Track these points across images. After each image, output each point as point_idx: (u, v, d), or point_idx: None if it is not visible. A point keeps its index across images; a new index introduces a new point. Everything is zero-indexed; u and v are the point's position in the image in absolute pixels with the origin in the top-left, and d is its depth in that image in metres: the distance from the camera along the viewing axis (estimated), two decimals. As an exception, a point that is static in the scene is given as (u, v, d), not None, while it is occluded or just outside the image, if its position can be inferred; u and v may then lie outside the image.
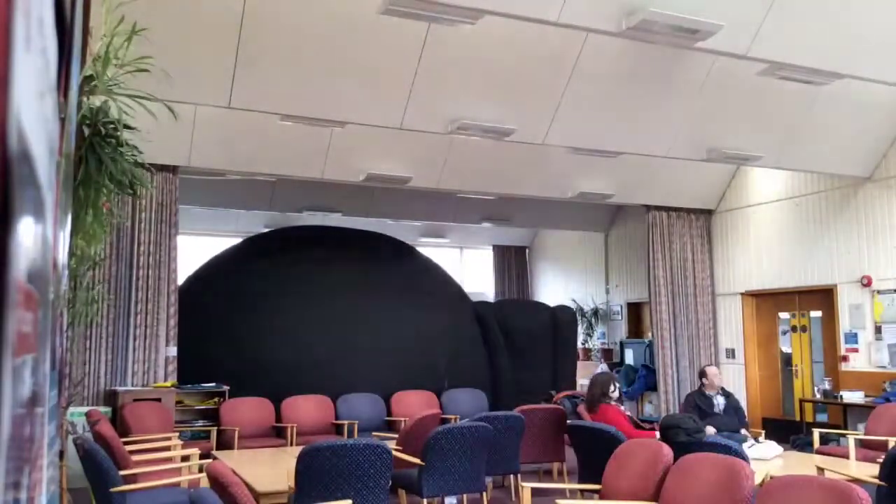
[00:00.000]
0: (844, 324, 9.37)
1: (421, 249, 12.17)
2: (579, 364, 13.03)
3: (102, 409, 7.25)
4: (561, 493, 5.71)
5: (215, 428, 8.07)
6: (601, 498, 4.49)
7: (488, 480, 6.32)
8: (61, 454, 5.08)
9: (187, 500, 4.28)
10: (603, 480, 4.55)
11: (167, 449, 6.14)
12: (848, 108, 8.31)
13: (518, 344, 10.81)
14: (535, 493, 4.83)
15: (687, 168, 10.06)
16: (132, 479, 4.88)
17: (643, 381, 11.63)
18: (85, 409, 7.02)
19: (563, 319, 11.41)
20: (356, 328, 9.43)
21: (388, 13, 5.49)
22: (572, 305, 14.01)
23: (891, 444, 5.91)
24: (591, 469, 5.28)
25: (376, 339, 9.45)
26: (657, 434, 5.58)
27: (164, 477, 4.93)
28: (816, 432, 7.04)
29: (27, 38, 0.72)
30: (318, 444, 4.42)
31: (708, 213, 11.34)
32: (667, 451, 4.21)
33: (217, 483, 3.59)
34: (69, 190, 2.19)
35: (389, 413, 9.08)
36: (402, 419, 8.38)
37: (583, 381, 12.68)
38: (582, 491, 5.42)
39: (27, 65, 0.72)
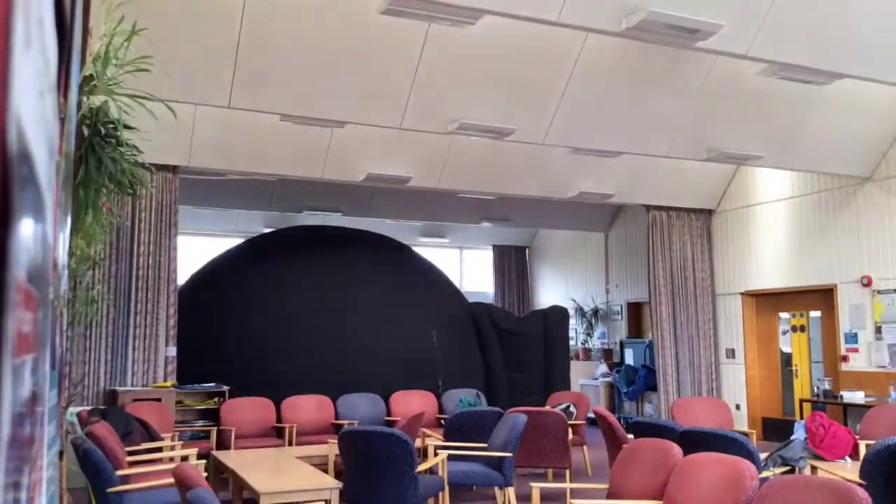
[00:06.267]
0: (844, 324, 9.36)
1: (421, 249, 12.18)
2: (580, 364, 13.04)
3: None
4: (573, 493, 5.70)
5: (215, 428, 8.07)
6: (608, 497, 4.49)
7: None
8: (61, 454, 5.08)
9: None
10: (610, 480, 4.55)
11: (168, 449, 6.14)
12: (848, 108, 8.32)
13: (510, 343, 10.79)
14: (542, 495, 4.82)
15: (687, 168, 10.06)
16: (131, 479, 4.88)
17: (643, 381, 11.64)
18: (86, 409, 7.02)
19: (554, 318, 11.37)
20: (356, 328, 9.43)
21: (388, 13, 5.49)
22: (572, 305, 14.02)
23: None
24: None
25: (376, 340, 9.44)
26: None
27: (163, 477, 4.93)
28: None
29: (27, 38, 0.72)
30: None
31: (708, 213, 11.34)
32: (677, 450, 4.19)
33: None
34: (69, 190, 2.19)
35: (389, 413, 9.08)
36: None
37: (582, 381, 12.69)
38: (576, 490, 5.42)
39: (27, 65, 0.72)
